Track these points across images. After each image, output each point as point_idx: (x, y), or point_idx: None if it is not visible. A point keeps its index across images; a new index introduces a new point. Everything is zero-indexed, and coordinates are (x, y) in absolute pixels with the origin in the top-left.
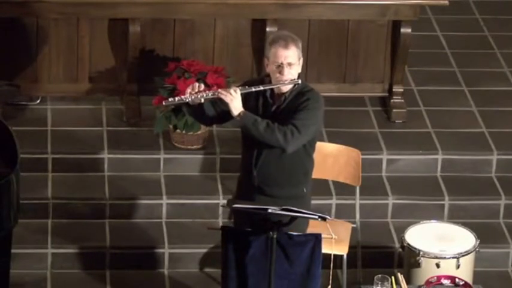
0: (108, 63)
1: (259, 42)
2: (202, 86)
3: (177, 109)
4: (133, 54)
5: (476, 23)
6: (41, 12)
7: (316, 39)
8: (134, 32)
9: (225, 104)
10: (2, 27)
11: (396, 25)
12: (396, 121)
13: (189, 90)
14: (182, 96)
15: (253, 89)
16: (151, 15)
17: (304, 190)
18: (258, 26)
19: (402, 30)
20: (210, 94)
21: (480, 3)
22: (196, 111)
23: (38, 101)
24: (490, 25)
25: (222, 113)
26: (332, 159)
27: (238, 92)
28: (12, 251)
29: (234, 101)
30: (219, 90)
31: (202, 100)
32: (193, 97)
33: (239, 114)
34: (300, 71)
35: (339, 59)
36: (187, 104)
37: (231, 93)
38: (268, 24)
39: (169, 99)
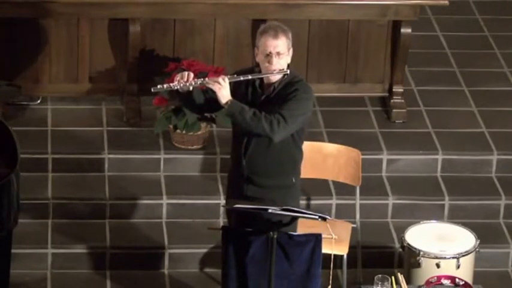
0: (108, 63)
1: None
2: (192, 75)
3: (178, 109)
4: (133, 54)
5: (476, 23)
6: (41, 12)
7: (317, 40)
8: (134, 32)
9: (214, 93)
10: (2, 27)
11: (396, 25)
12: (396, 121)
13: (178, 77)
14: (171, 84)
15: (242, 78)
16: (151, 15)
17: (293, 180)
18: (258, 26)
19: (402, 30)
20: (198, 82)
21: (480, 3)
22: (186, 99)
23: (39, 101)
24: (490, 25)
25: (212, 101)
26: (332, 159)
27: (227, 80)
28: (12, 251)
29: (222, 90)
30: (207, 78)
31: (191, 88)
32: (181, 85)
33: (226, 102)
34: (289, 61)
35: (339, 59)
36: (177, 91)
37: (219, 82)
38: None
39: (158, 86)
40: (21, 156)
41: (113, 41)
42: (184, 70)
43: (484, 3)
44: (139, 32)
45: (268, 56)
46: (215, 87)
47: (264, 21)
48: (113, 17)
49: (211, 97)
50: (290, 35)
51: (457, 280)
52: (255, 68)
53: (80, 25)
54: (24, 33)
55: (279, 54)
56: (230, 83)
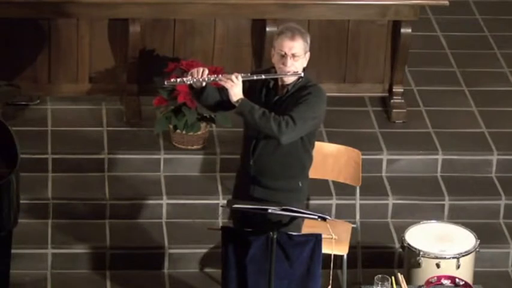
0: (108, 63)
1: (259, 42)
2: (206, 71)
3: (178, 109)
4: (133, 54)
5: (476, 23)
6: (41, 12)
7: (316, 40)
8: (134, 32)
9: (226, 90)
10: (2, 27)
11: (396, 25)
12: (396, 121)
13: (193, 73)
14: (184, 78)
15: (255, 77)
16: (151, 15)
17: (300, 184)
18: (258, 26)
19: (402, 30)
20: (211, 78)
21: (480, 3)
22: (199, 94)
23: (38, 101)
24: (490, 25)
25: (226, 100)
26: (332, 159)
27: (240, 78)
28: (12, 251)
29: (234, 87)
30: (221, 75)
31: (204, 84)
32: (195, 80)
33: (237, 100)
34: (305, 65)
35: (339, 59)
36: (191, 87)
37: (232, 80)
38: (268, 24)
39: (171, 80)
40: (21, 156)
41: (113, 41)
42: (183, 70)
43: (484, 3)
44: (139, 32)
45: (284, 57)
46: (227, 84)
47: (264, 21)
48: (113, 17)
49: (225, 95)
50: (308, 39)
51: (457, 280)
52: (271, 69)
53: (80, 25)
54: (24, 33)
55: (294, 56)
56: (245, 82)
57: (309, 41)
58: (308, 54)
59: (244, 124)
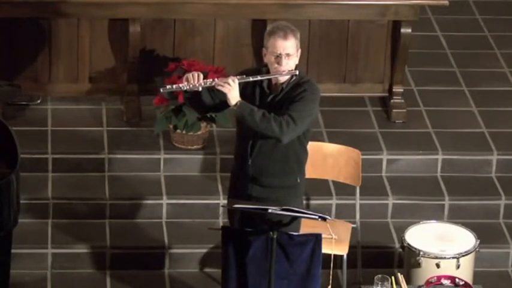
0: (108, 63)
1: (260, 42)
2: (202, 76)
3: (178, 109)
4: (134, 54)
5: (476, 23)
6: (41, 12)
7: (317, 40)
8: (134, 32)
9: (223, 94)
10: (2, 27)
11: (396, 25)
12: (396, 121)
13: (188, 78)
14: (180, 84)
15: (251, 79)
16: (151, 15)
17: (298, 180)
18: (258, 26)
19: (402, 30)
20: (208, 83)
21: (480, 3)
22: (194, 98)
23: (39, 101)
24: (490, 25)
25: (219, 101)
26: (332, 159)
27: (236, 81)
28: (12, 251)
29: (232, 91)
30: (217, 80)
31: (200, 88)
32: (191, 85)
33: (236, 103)
34: (297, 62)
35: (339, 59)
36: (185, 91)
37: (229, 83)
38: (268, 24)
39: (167, 87)
40: (21, 156)
41: (113, 41)
42: (184, 70)
43: (484, 3)
44: (139, 32)
45: (278, 57)
46: (225, 89)
47: (264, 21)
48: (112, 17)
49: (219, 98)
50: (298, 35)
51: (457, 280)
52: (262, 68)
53: (80, 25)
54: (24, 33)
55: (289, 56)
56: (239, 83)
57: (299, 37)
58: (299, 50)
59: (237, 124)
